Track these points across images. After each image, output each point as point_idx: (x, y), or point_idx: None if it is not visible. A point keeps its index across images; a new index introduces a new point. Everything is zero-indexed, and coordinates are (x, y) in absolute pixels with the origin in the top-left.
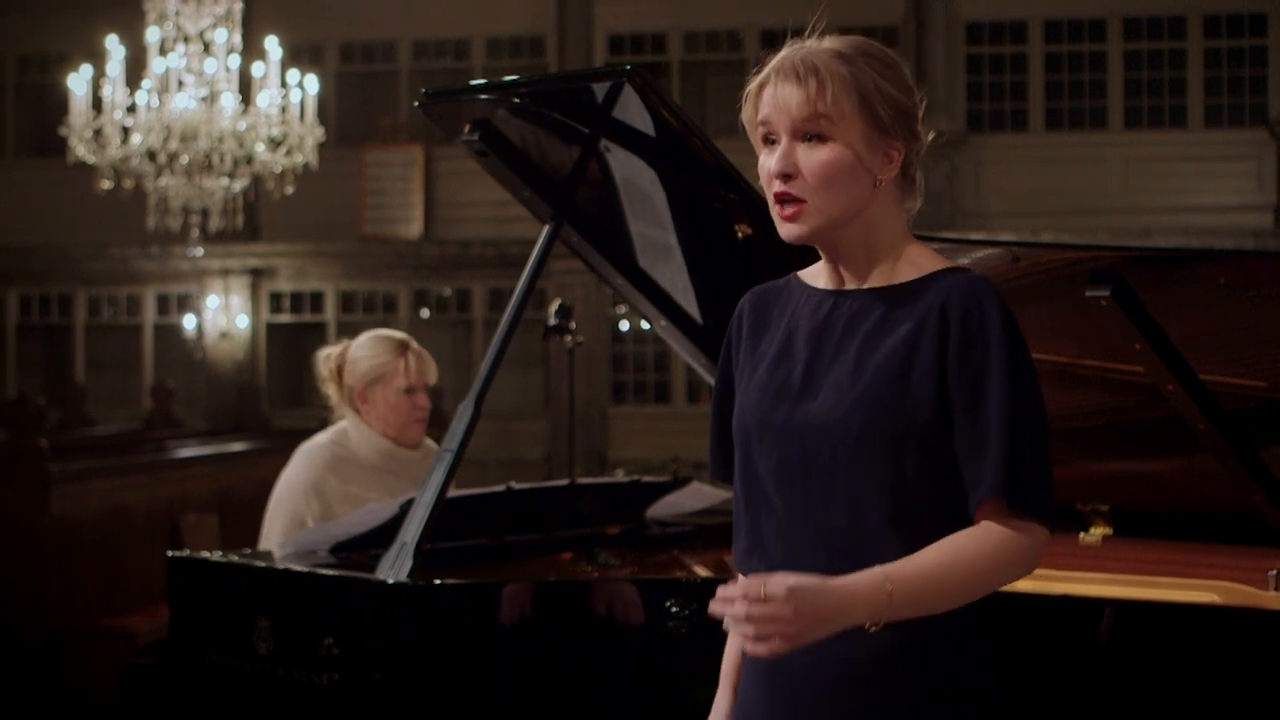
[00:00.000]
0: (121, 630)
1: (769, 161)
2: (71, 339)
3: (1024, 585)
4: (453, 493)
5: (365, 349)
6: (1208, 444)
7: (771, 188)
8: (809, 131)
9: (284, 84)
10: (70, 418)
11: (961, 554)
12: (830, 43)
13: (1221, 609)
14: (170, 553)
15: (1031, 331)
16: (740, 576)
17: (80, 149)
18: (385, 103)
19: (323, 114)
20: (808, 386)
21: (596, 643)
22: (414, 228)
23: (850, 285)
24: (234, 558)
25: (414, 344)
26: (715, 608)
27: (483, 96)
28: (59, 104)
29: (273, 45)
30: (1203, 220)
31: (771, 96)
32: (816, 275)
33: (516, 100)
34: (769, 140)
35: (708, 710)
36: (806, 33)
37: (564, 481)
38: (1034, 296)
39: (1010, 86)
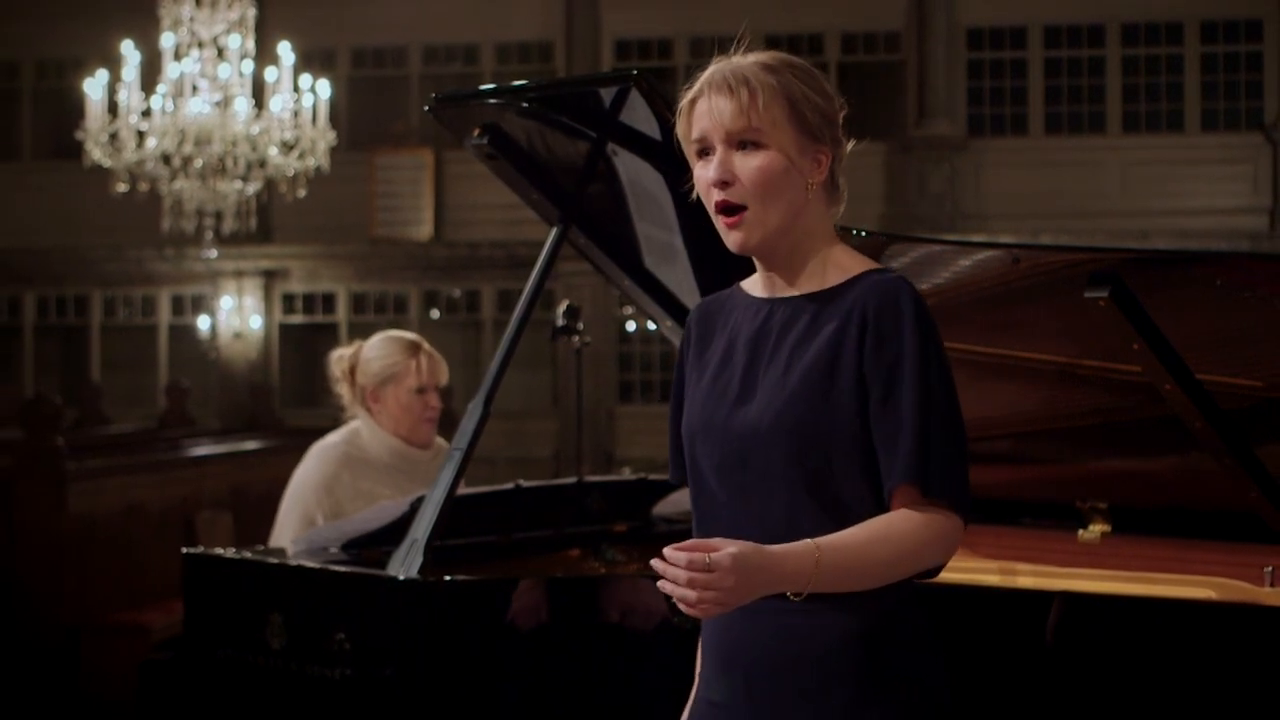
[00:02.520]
0: (137, 626)
1: (706, 172)
2: (88, 339)
3: (1025, 581)
4: (462, 490)
5: (378, 349)
6: (1204, 443)
7: (711, 197)
8: (743, 139)
9: (296, 89)
10: (86, 417)
11: (889, 533)
12: (755, 56)
13: (1218, 605)
14: (185, 549)
15: (1031, 332)
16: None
17: (96, 152)
18: (396, 107)
19: (334, 118)
20: (744, 391)
21: (603, 637)
22: (424, 230)
23: (784, 292)
24: (247, 554)
25: (426, 345)
26: (659, 568)
27: (492, 101)
28: (75, 108)
29: (285, 50)
30: (1199, 223)
31: (705, 109)
32: (755, 284)
33: (525, 105)
34: (704, 153)
35: None
36: (733, 49)
37: (572, 479)
38: (1034, 297)
39: (1010, 91)
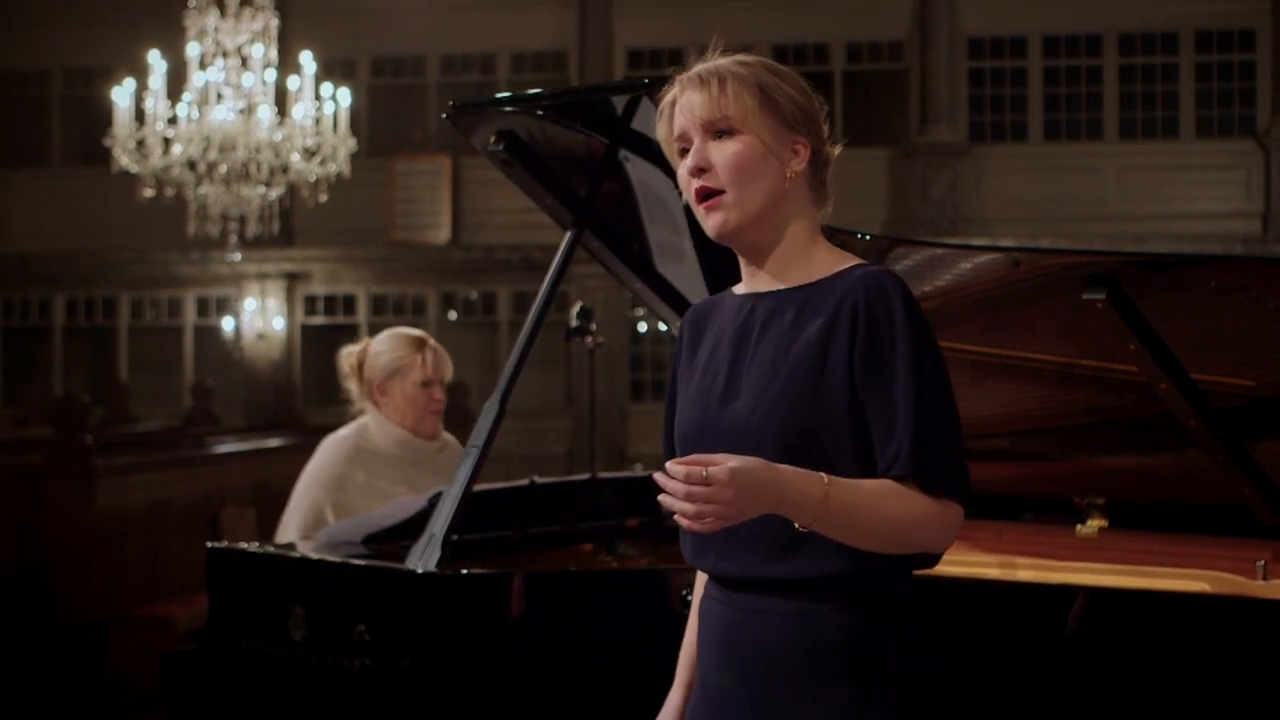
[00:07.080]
0: (162, 618)
1: (685, 166)
2: (115, 340)
3: (1024, 575)
4: (478, 487)
5: (384, 345)
6: (1199, 440)
7: (690, 186)
8: (718, 128)
9: (318, 97)
10: (114, 415)
11: (896, 495)
12: (730, 56)
13: (1212, 598)
14: (209, 544)
15: (1031, 333)
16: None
17: (124, 159)
18: (415, 114)
19: (355, 125)
20: (730, 389)
21: (616, 630)
22: (442, 233)
23: (766, 287)
24: (270, 549)
25: (431, 341)
26: (659, 481)
27: (508, 108)
28: (104, 116)
29: (307, 60)
30: (1194, 227)
31: (681, 106)
32: (741, 285)
33: (540, 112)
34: (685, 152)
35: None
36: (709, 52)
37: (585, 476)
38: (1033, 299)
39: (1010, 99)
